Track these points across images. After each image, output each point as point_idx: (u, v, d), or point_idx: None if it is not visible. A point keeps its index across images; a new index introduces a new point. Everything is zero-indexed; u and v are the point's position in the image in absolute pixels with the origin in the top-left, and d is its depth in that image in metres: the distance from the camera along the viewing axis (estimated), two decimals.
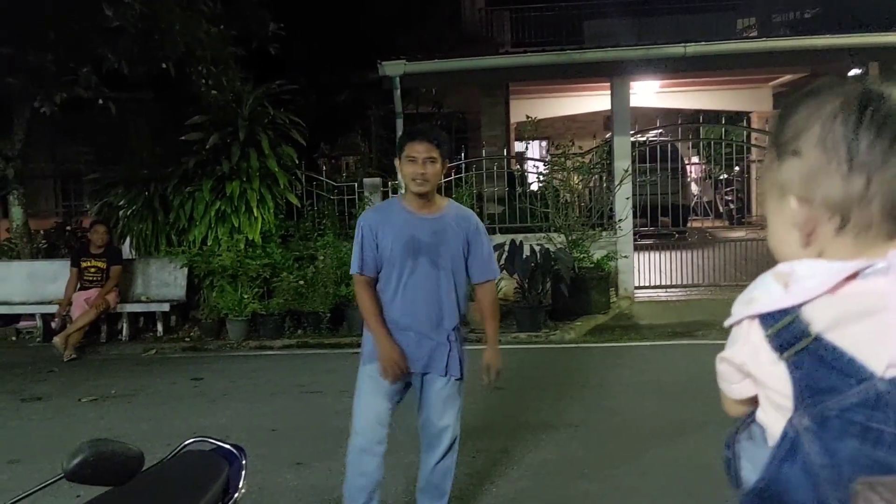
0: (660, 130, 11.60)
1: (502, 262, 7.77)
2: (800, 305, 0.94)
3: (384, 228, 3.27)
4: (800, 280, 0.96)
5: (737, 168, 13.63)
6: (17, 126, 9.04)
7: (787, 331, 0.94)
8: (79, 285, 8.35)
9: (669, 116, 14.01)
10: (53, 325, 8.81)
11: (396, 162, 3.31)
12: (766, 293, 0.98)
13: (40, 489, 1.57)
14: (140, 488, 1.89)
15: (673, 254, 10.18)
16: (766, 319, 0.96)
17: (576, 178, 9.35)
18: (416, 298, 3.25)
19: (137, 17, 7.07)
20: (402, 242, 3.23)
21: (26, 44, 7.39)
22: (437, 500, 3.42)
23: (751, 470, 1.00)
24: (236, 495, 2.25)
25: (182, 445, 2.38)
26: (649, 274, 9.87)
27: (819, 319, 0.93)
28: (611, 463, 4.34)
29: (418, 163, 3.16)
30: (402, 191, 3.31)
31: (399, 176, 3.34)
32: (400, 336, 3.24)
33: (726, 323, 1.02)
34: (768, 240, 1.06)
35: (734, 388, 1.06)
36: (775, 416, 1.00)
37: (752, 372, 1.00)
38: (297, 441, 4.94)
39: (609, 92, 9.95)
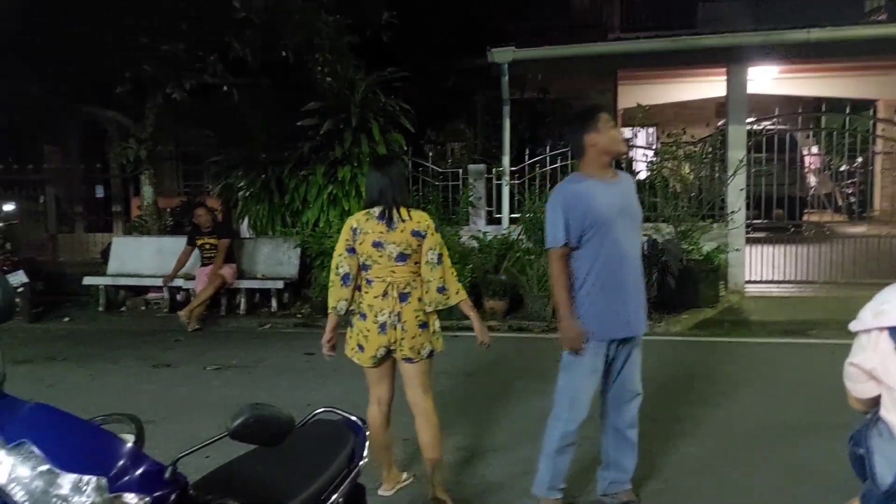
0: (777, 119, 11.12)
1: None
2: None
3: (580, 201, 3.29)
4: None
5: (859, 159, 12.88)
6: (149, 111, 9.66)
7: None
8: (201, 263, 8.95)
9: (788, 104, 13.41)
10: (179, 297, 9.44)
11: (585, 136, 3.31)
12: None
13: (207, 444, 1.76)
14: (280, 450, 2.07)
15: (787, 248, 9.74)
16: None
17: (687, 167, 9.12)
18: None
19: (262, 9, 7.45)
20: (605, 208, 3.28)
21: (161, 34, 7.89)
22: (633, 456, 3.63)
23: (884, 464, 1.06)
24: (361, 463, 2.43)
25: (313, 414, 2.58)
26: (761, 268, 9.49)
27: None
28: (717, 460, 4.30)
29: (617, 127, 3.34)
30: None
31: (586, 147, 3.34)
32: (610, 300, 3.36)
33: (852, 327, 1.08)
34: None
35: (859, 387, 1.13)
36: None
37: (881, 377, 1.06)
38: (403, 417, 5.12)
39: (723, 77, 9.59)
